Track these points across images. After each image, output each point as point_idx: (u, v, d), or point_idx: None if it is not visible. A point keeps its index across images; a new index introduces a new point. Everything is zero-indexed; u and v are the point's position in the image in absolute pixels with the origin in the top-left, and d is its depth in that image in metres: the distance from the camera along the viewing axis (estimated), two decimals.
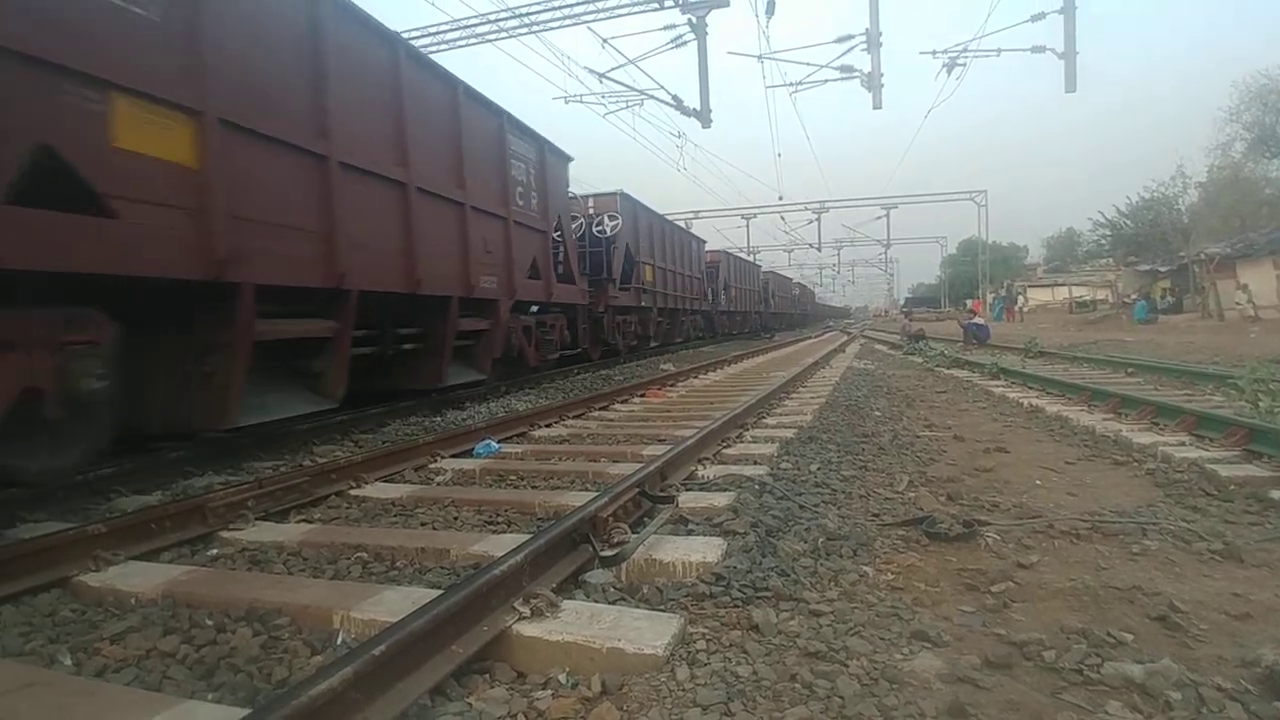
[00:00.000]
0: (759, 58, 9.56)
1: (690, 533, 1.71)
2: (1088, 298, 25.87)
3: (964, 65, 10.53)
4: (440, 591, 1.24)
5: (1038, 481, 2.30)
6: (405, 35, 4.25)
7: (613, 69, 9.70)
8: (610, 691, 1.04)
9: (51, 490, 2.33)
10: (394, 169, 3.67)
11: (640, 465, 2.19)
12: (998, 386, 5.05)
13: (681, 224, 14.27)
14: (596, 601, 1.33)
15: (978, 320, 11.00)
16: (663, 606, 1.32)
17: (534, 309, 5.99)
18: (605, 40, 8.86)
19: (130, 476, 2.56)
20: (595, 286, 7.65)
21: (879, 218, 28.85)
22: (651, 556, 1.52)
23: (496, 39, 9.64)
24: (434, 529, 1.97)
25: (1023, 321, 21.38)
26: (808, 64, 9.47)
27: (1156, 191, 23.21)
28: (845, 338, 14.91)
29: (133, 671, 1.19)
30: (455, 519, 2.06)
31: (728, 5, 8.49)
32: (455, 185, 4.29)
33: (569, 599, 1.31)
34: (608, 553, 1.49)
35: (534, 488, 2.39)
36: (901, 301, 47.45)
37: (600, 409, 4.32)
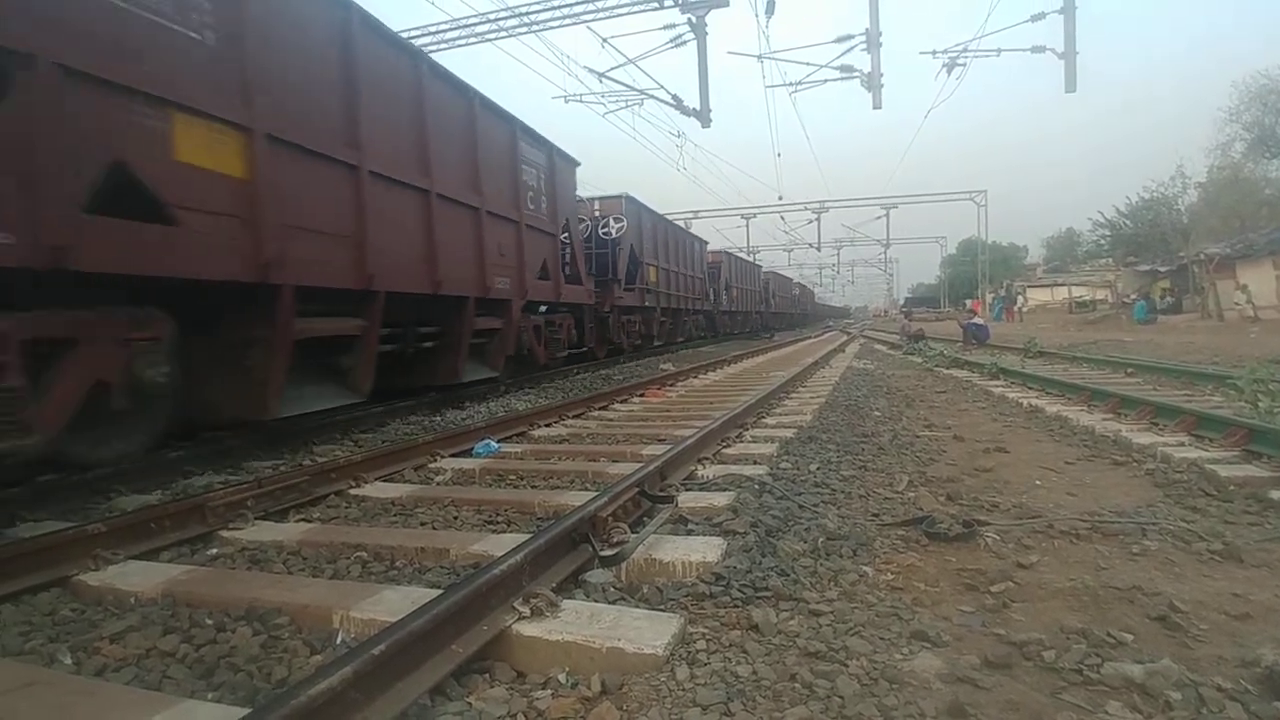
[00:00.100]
0: (759, 57, 9.56)
1: (690, 532, 1.71)
2: (1087, 298, 25.88)
3: (964, 65, 10.54)
4: (440, 591, 1.24)
5: (1037, 481, 2.30)
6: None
7: (612, 68, 9.71)
8: (610, 691, 1.04)
9: (51, 489, 2.35)
10: (418, 177, 3.93)
11: (640, 465, 2.19)
12: (997, 386, 5.05)
13: (681, 224, 14.35)
14: (596, 601, 1.33)
15: (977, 320, 11.00)
16: (662, 606, 1.32)
17: (543, 309, 6.18)
18: (605, 40, 8.87)
19: (130, 476, 2.56)
20: (601, 287, 7.82)
21: (879, 218, 28.90)
22: (651, 556, 1.52)
23: (496, 38, 9.64)
24: (434, 528, 1.97)
25: (1022, 321, 21.40)
26: (807, 64, 9.49)
27: (1156, 192, 23.24)
28: (845, 338, 14.91)
29: (132, 671, 1.19)
30: (455, 518, 2.06)
31: (727, 5, 8.49)
32: (472, 191, 4.53)
33: (569, 599, 1.31)
34: (607, 552, 1.49)
35: (534, 487, 2.39)
36: (901, 301, 47.46)
37: (600, 409, 4.32)
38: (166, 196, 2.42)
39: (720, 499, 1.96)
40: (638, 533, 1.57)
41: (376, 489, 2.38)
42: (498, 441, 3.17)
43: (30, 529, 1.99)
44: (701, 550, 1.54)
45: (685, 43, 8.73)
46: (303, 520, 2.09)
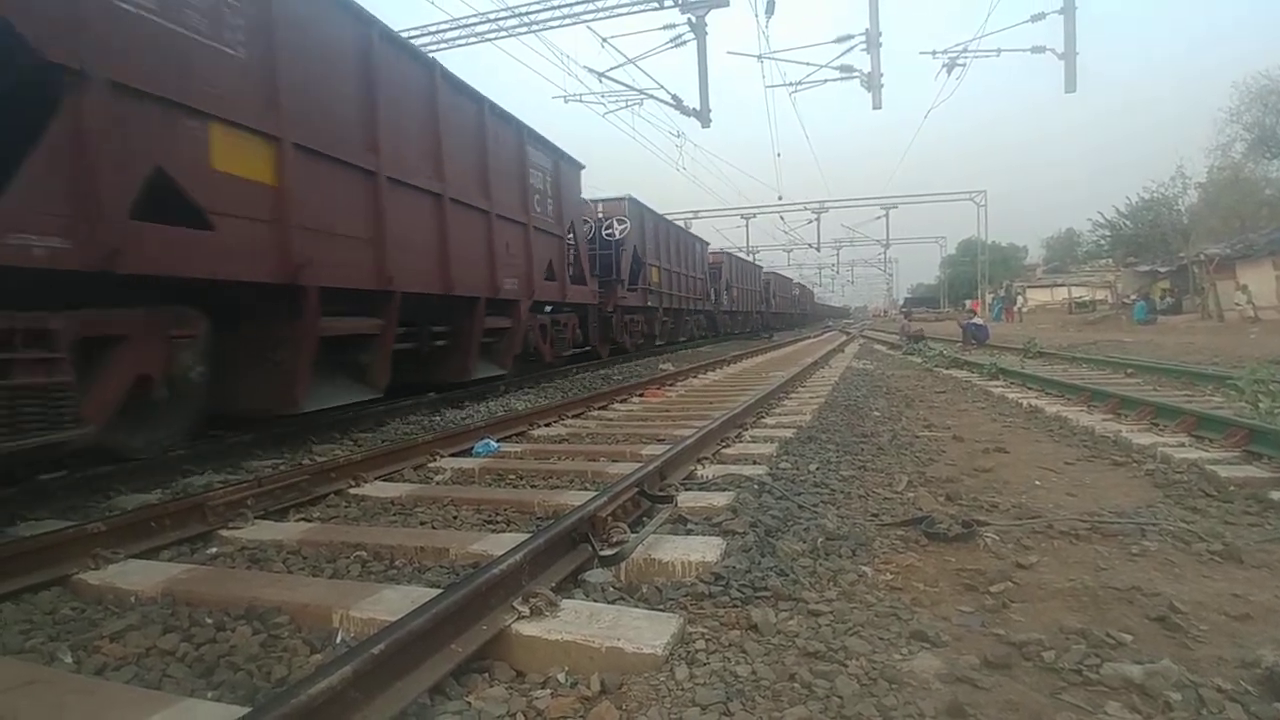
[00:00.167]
0: (758, 57, 9.56)
1: (689, 532, 1.71)
2: (1087, 298, 25.87)
3: (964, 65, 10.54)
4: (439, 590, 1.24)
5: (1037, 482, 2.30)
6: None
7: (612, 68, 9.71)
8: (609, 691, 1.04)
9: (51, 489, 2.35)
10: (432, 181, 4.09)
11: (639, 465, 2.19)
12: (997, 387, 5.05)
13: (681, 224, 14.40)
14: (596, 601, 1.33)
15: (977, 320, 10.99)
16: (662, 606, 1.32)
17: (548, 309, 6.30)
18: (605, 39, 8.86)
19: (130, 475, 2.57)
20: (605, 287, 7.97)
21: (878, 218, 28.89)
22: (651, 556, 1.52)
23: (496, 38, 9.64)
24: (433, 528, 1.97)
25: (1022, 322, 21.39)
26: (807, 64, 9.49)
27: (1156, 192, 23.24)
28: (844, 338, 14.91)
29: (132, 669, 1.19)
30: (454, 518, 2.06)
31: (727, 5, 8.49)
32: (482, 195, 4.69)
33: (568, 598, 1.31)
34: (607, 552, 1.49)
35: (533, 487, 2.39)
36: (901, 302, 47.44)
37: (599, 408, 4.32)
38: (204, 203, 2.57)
39: (720, 499, 1.96)
40: (637, 532, 1.57)
41: (376, 488, 2.38)
42: (497, 441, 3.17)
43: (30, 528, 1.99)
44: (701, 550, 1.54)
45: (685, 43, 8.73)
46: (302, 519, 2.09)
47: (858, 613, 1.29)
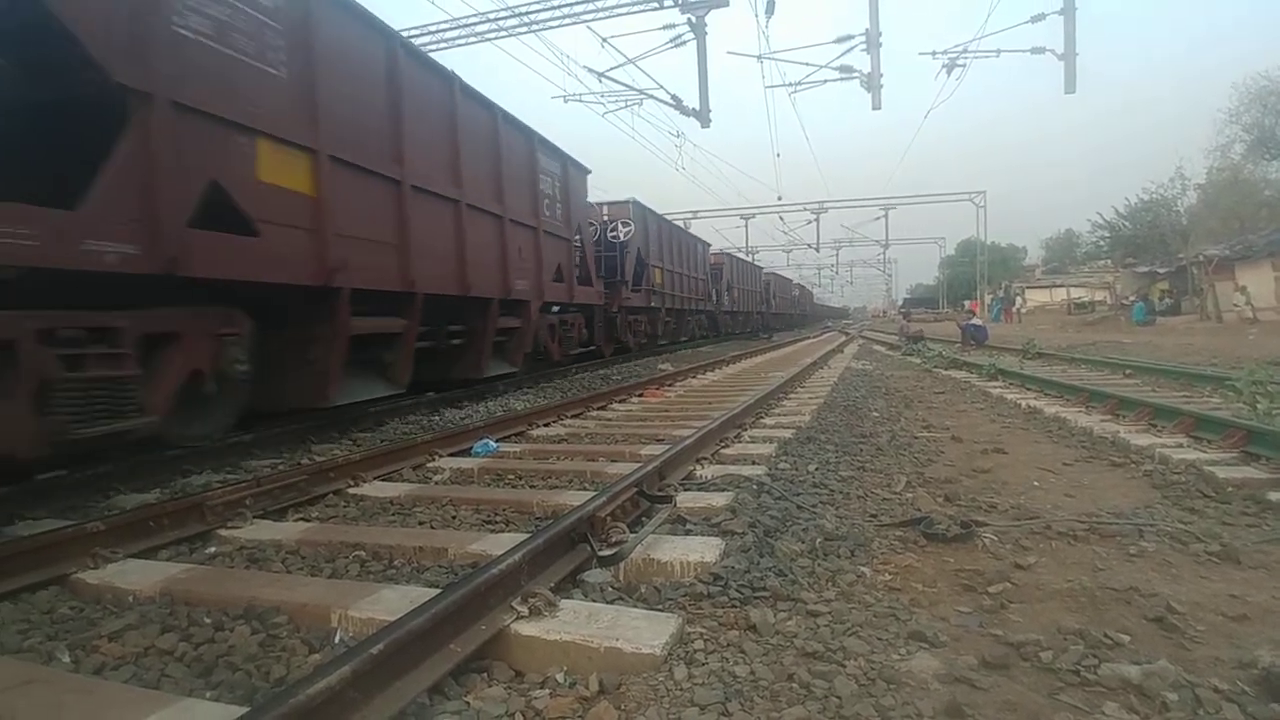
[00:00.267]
0: (758, 58, 9.56)
1: (688, 532, 1.71)
2: (1086, 299, 25.89)
3: (963, 66, 10.54)
4: (438, 590, 1.24)
5: (1035, 483, 2.30)
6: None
7: (612, 68, 9.70)
8: (608, 691, 1.05)
9: (50, 488, 2.35)
10: (450, 188, 4.35)
11: (638, 465, 2.19)
12: (996, 387, 5.05)
13: (680, 224, 14.45)
14: (594, 601, 1.33)
15: (976, 321, 11.01)
16: (661, 606, 1.32)
17: (556, 309, 6.56)
18: (604, 39, 8.86)
19: (129, 474, 2.56)
20: (610, 288, 8.18)
21: (878, 218, 28.89)
22: (649, 556, 1.52)
23: (496, 38, 9.63)
24: (432, 528, 1.97)
25: (1021, 323, 21.41)
26: (807, 64, 9.49)
27: (1155, 193, 23.27)
28: (843, 338, 14.92)
29: (131, 669, 1.19)
30: (453, 518, 2.06)
31: (727, 5, 8.49)
32: (496, 200, 4.97)
33: (567, 598, 1.31)
34: (606, 552, 1.49)
35: (532, 487, 2.39)
36: (900, 302, 47.45)
37: (598, 409, 4.32)
38: (251, 212, 2.81)
39: (719, 499, 1.97)
40: (636, 533, 1.57)
41: (375, 488, 2.38)
42: (496, 441, 3.17)
43: (29, 527, 1.99)
44: (700, 550, 1.54)
45: (685, 43, 8.72)
46: (301, 519, 2.09)
47: (856, 613, 1.29)
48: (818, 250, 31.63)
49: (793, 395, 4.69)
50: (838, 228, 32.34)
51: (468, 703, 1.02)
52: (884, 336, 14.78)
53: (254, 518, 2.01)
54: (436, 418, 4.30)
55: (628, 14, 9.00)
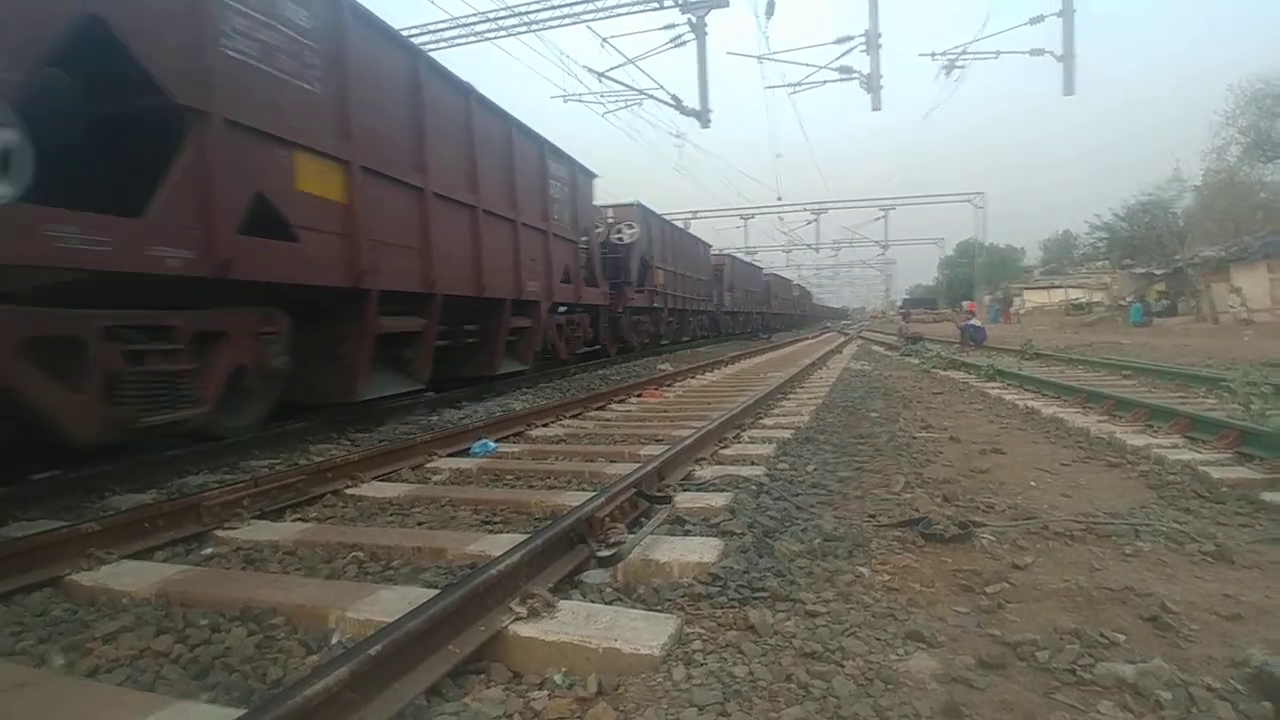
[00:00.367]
0: (758, 58, 9.58)
1: (687, 533, 1.71)
2: (1084, 300, 26.00)
3: (963, 67, 10.58)
4: (437, 591, 1.24)
5: (1033, 483, 2.31)
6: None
7: (612, 68, 9.70)
8: (606, 692, 1.05)
9: (45, 488, 2.34)
10: (468, 195, 4.61)
11: (637, 465, 2.19)
12: (994, 388, 5.07)
13: (680, 224, 14.47)
14: (593, 602, 1.33)
15: (974, 322, 11.05)
16: (659, 607, 1.32)
17: (563, 309, 6.79)
18: (605, 39, 8.86)
19: (125, 475, 2.55)
20: (615, 289, 8.34)
21: (877, 219, 28.96)
22: (648, 557, 1.52)
23: (496, 37, 9.62)
24: (430, 528, 1.96)
25: (1019, 323, 21.49)
26: (807, 65, 9.52)
27: (1152, 195, 23.38)
28: (842, 339, 14.95)
29: (125, 671, 1.18)
30: (452, 518, 2.06)
31: (727, 5, 8.50)
32: (509, 206, 5.24)
33: (565, 599, 1.31)
34: (604, 553, 1.49)
35: (531, 487, 2.39)
36: (899, 303, 47.57)
37: (597, 409, 4.32)
38: (291, 219, 3.05)
39: (717, 500, 1.97)
40: (635, 533, 1.57)
41: (373, 489, 2.38)
42: (495, 441, 3.17)
43: (23, 528, 1.98)
44: (698, 551, 1.54)
45: (685, 43, 8.73)
46: (299, 520, 2.08)
47: (854, 613, 1.29)
48: (817, 251, 31.74)
49: (791, 396, 4.70)
50: (837, 228, 32.40)
51: (466, 704, 1.02)
52: (883, 337, 14.81)
53: (251, 518, 2.00)
54: (435, 418, 4.29)
55: (628, 14, 9.01)
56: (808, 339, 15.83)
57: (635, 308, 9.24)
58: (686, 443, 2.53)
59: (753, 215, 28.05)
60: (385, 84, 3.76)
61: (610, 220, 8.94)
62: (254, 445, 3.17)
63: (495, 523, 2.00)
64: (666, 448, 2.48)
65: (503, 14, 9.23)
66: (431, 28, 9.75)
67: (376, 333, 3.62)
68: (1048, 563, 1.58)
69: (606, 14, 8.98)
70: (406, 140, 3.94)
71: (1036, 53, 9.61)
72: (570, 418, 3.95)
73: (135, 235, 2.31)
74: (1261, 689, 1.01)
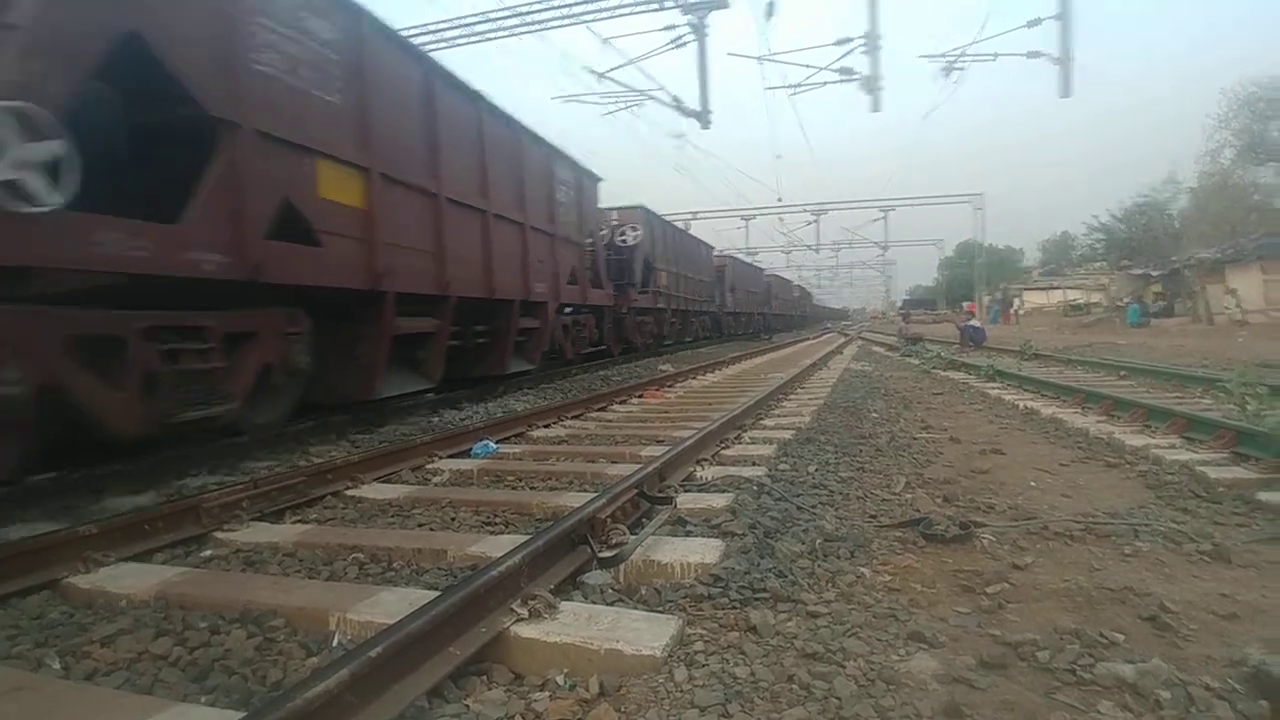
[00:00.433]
0: (759, 59, 9.60)
1: (688, 534, 1.71)
2: (1082, 301, 26.12)
3: (962, 69, 10.62)
4: (438, 593, 1.24)
5: (1033, 483, 2.32)
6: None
7: (612, 69, 9.71)
8: (608, 693, 1.04)
9: (43, 490, 2.33)
10: (479, 200, 4.74)
11: (639, 466, 2.20)
12: (993, 389, 5.08)
13: (680, 224, 14.51)
14: (594, 603, 1.33)
15: (974, 323, 11.08)
16: (661, 608, 1.32)
17: (569, 310, 6.95)
18: (605, 40, 8.87)
19: (123, 476, 2.54)
20: (619, 290, 8.49)
21: (877, 220, 29.01)
22: (650, 558, 1.52)
23: (497, 37, 9.62)
24: (431, 530, 1.96)
25: (1018, 324, 21.57)
26: (807, 66, 9.53)
27: (1149, 197, 23.51)
28: (843, 339, 14.98)
29: (124, 675, 1.18)
30: (452, 520, 2.06)
31: (728, 6, 8.51)
32: (518, 209, 5.39)
33: (567, 600, 1.31)
34: (606, 554, 1.49)
35: (532, 488, 2.38)
36: (899, 304, 47.63)
37: (598, 410, 4.32)
38: (315, 224, 3.17)
39: (719, 500, 1.97)
40: (636, 534, 1.57)
41: (373, 490, 2.37)
42: (496, 442, 3.16)
43: (20, 530, 1.97)
44: (700, 552, 1.54)
45: (685, 44, 8.74)
46: (299, 521, 2.07)
47: (856, 614, 1.30)
48: (817, 251, 31.75)
49: (792, 396, 4.70)
50: (837, 229, 32.46)
51: (467, 705, 1.02)
52: (883, 338, 14.84)
53: (251, 520, 1.99)
54: (436, 419, 4.29)
55: (628, 14, 9.02)
56: (808, 339, 15.86)
57: (639, 308, 9.39)
58: (688, 443, 2.53)
59: (753, 216, 28.08)
60: (401, 93, 3.90)
61: (614, 223, 9.06)
62: (253, 447, 3.17)
63: (496, 524, 2.00)
64: (668, 448, 2.48)
65: (503, 14, 9.24)
66: (432, 28, 9.74)
67: (393, 333, 3.73)
68: (1048, 563, 1.58)
69: (607, 14, 8.99)
70: (421, 147, 4.07)
71: (1034, 55, 9.66)
72: (571, 418, 3.95)
73: (172, 240, 2.45)
74: (1259, 688, 1.01)
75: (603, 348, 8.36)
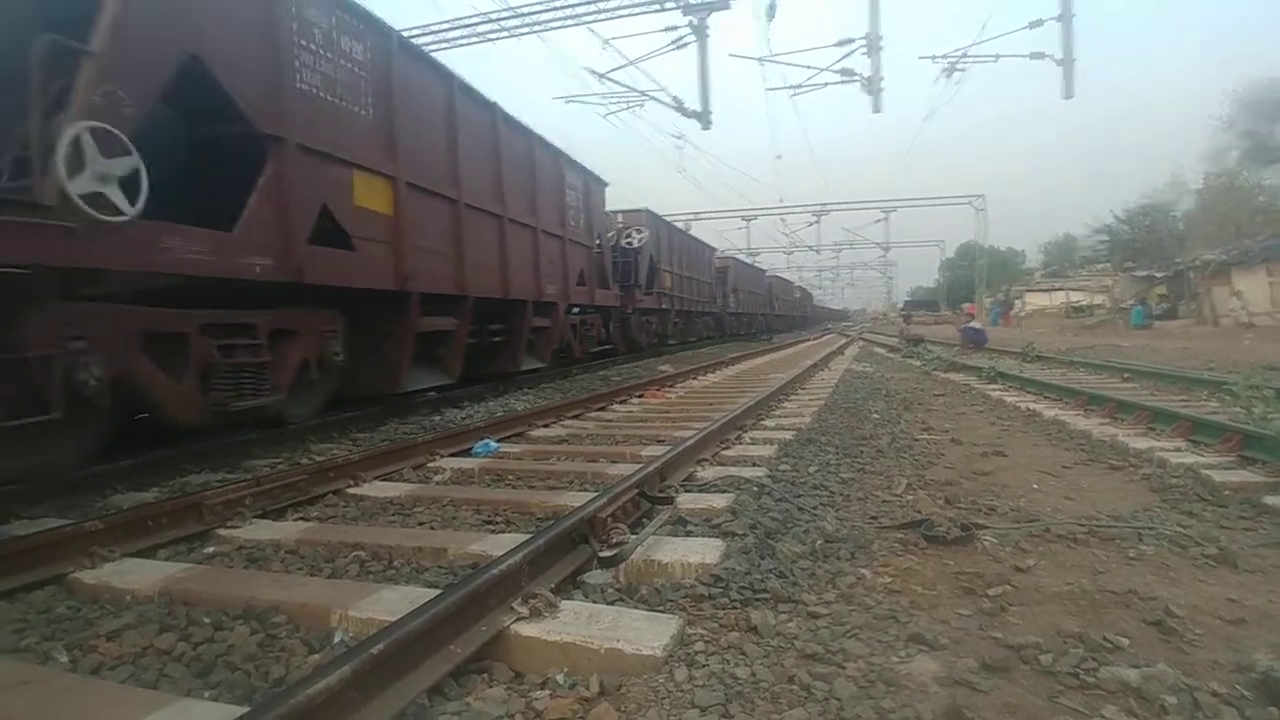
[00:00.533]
0: (760, 60, 9.59)
1: (689, 534, 1.71)
2: (1084, 303, 25.99)
3: (963, 70, 10.59)
4: (438, 591, 1.24)
5: (1035, 485, 2.31)
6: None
7: (613, 69, 9.72)
8: (608, 692, 1.05)
9: (48, 487, 2.34)
10: (494, 205, 5.04)
11: (639, 466, 2.20)
12: (995, 390, 5.07)
13: (681, 225, 14.56)
14: (595, 602, 1.33)
15: (975, 324, 11.04)
16: (661, 607, 1.32)
17: (576, 310, 7.17)
18: (606, 41, 8.88)
19: (127, 473, 2.56)
20: (625, 291, 8.78)
21: (878, 221, 28.93)
22: (650, 557, 1.52)
23: (498, 38, 9.65)
24: (432, 528, 1.97)
25: (1020, 326, 21.49)
26: (808, 67, 9.51)
27: (1153, 198, 23.40)
28: (844, 340, 14.95)
29: (129, 669, 1.18)
30: (453, 518, 2.06)
31: (728, 7, 8.51)
32: (530, 214, 5.66)
33: (567, 599, 1.31)
34: (606, 553, 1.49)
35: (532, 488, 2.39)
36: (900, 305, 47.49)
37: (598, 409, 4.33)
38: (350, 230, 3.45)
39: (719, 500, 1.97)
40: (637, 534, 1.57)
41: (375, 488, 2.38)
42: (496, 441, 3.17)
43: (26, 525, 1.98)
44: (700, 552, 1.54)
45: (686, 45, 8.74)
46: (301, 519, 2.08)
47: (856, 615, 1.29)
48: (818, 252, 31.69)
49: (793, 397, 4.70)
50: (838, 230, 32.38)
51: (468, 703, 1.02)
52: (884, 339, 14.81)
53: (253, 517, 2.01)
54: (437, 418, 4.30)
55: (629, 15, 9.03)
56: (809, 340, 15.84)
57: (644, 309, 9.60)
58: (688, 443, 2.53)
59: (754, 217, 28.05)
60: (425, 106, 4.18)
61: (620, 225, 9.23)
62: (255, 445, 3.19)
63: (497, 523, 2.01)
64: (668, 448, 2.48)
65: (505, 15, 9.26)
66: (434, 28, 9.77)
67: (417, 331, 3.99)
68: (1050, 565, 1.57)
69: (608, 15, 9.00)
70: (443, 156, 4.34)
71: (1036, 56, 9.63)
72: (572, 418, 3.95)
73: (228, 246, 2.72)
74: (1267, 694, 1.00)
75: (609, 347, 8.56)
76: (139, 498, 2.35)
